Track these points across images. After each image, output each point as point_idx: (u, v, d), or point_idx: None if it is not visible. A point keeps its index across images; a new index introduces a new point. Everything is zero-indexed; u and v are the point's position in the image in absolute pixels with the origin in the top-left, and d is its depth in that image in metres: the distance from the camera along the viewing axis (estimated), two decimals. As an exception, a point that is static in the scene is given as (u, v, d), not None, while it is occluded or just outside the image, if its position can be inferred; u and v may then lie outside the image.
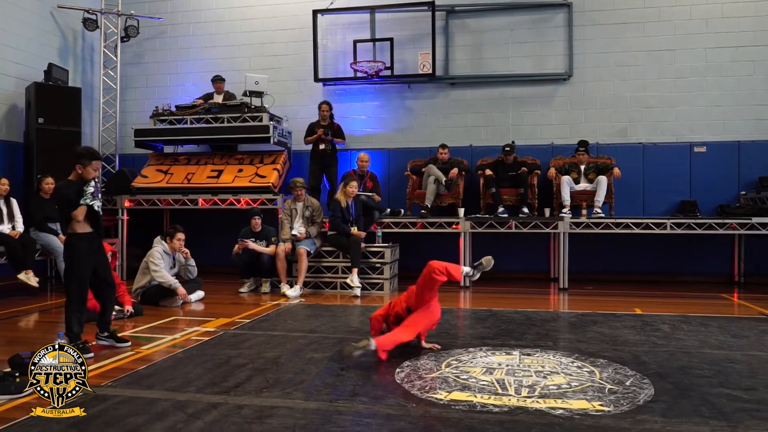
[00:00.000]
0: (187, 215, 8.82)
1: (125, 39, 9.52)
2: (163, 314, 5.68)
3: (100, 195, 4.11)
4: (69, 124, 8.32)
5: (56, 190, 4.12)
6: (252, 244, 7.14)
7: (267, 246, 7.22)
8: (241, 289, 7.20)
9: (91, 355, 3.98)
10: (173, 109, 8.83)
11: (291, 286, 6.96)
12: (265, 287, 7.17)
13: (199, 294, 6.54)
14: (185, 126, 8.55)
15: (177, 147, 9.40)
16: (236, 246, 7.17)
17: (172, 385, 3.30)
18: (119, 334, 4.42)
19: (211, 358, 3.88)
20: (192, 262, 6.58)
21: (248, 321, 5.24)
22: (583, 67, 8.59)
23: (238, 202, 8.15)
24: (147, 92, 9.86)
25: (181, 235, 6.36)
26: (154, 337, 4.61)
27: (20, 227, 6.83)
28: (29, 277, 6.47)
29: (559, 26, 8.68)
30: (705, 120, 8.27)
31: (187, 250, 6.48)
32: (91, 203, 3.99)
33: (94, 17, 9.21)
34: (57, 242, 7.00)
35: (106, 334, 4.26)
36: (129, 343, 4.30)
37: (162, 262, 6.18)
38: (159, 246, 6.30)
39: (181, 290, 6.14)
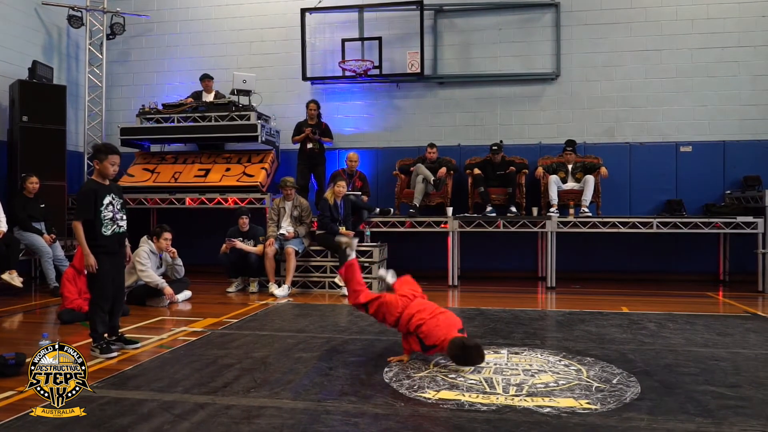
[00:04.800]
0: (174, 214, 8.74)
1: (111, 36, 9.44)
2: (150, 314, 5.63)
3: (120, 216, 4.13)
4: (54, 123, 8.21)
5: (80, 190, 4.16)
6: (240, 244, 7.10)
7: (255, 245, 7.19)
8: (229, 289, 7.16)
9: (115, 354, 3.97)
10: (160, 107, 8.75)
11: (279, 286, 6.94)
12: (253, 287, 7.13)
13: (186, 294, 6.49)
14: (172, 125, 8.49)
15: (164, 146, 9.34)
16: (224, 245, 7.13)
17: (159, 385, 3.27)
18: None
19: (198, 359, 3.86)
20: (179, 261, 6.54)
21: (236, 321, 5.22)
22: (571, 67, 8.64)
23: (226, 201, 8.10)
24: (133, 90, 9.77)
25: (168, 235, 6.33)
26: (141, 337, 4.56)
27: (4, 227, 6.73)
28: (13, 278, 6.40)
29: (547, 26, 8.72)
30: (691, 120, 8.35)
31: (174, 250, 6.45)
32: (109, 232, 4.05)
33: (79, 14, 9.09)
34: (41, 242, 6.93)
35: (114, 338, 4.22)
36: (139, 344, 4.27)
37: (149, 261, 6.14)
38: (146, 245, 6.26)
39: (168, 290, 6.10)
